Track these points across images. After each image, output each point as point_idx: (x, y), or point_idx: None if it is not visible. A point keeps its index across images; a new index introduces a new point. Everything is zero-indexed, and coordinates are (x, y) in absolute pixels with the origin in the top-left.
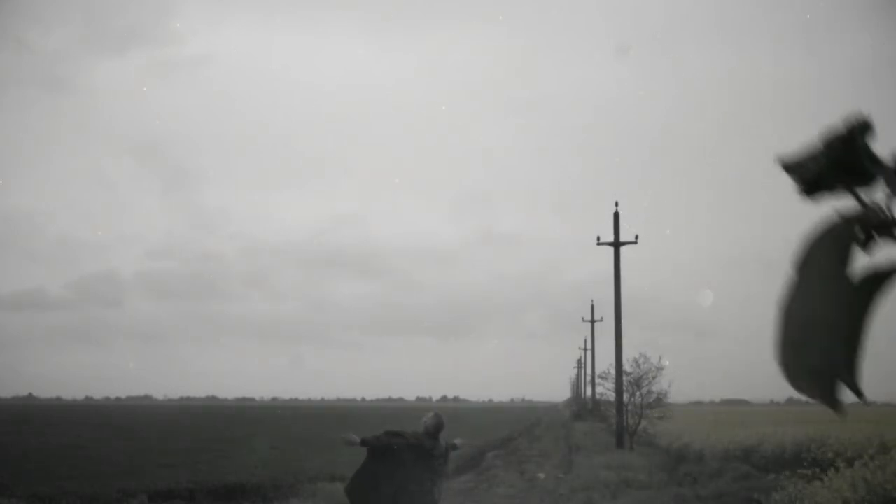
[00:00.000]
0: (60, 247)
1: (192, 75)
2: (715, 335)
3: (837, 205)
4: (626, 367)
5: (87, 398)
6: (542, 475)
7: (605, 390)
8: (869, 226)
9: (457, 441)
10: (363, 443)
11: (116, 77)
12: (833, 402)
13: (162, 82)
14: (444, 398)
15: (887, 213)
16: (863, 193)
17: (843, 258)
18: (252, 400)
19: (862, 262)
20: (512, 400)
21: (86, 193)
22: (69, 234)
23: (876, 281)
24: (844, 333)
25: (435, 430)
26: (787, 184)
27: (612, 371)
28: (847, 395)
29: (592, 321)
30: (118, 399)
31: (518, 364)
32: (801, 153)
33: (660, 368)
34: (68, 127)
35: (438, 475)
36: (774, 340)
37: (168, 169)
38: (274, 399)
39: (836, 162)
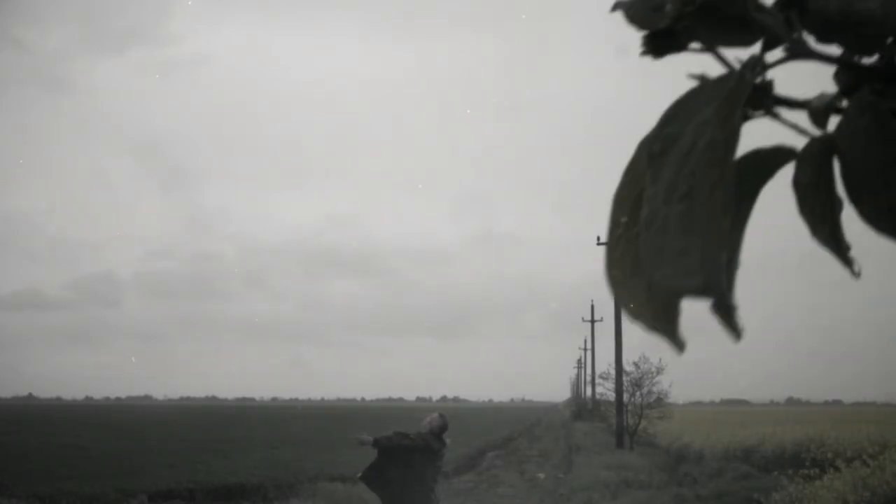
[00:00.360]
0: (60, 247)
1: (190, 75)
2: (715, 335)
3: (694, 70)
4: (627, 367)
5: (87, 398)
6: (542, 475)
7: (605, 390)
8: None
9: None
10: (375, 443)
11: (115, 77)
12: (673, 331)
13: (160, 82)
14: (444, 398)
15: (765, 80)
16: (730, 54)
17: (728, 135)
18: (252, 400)
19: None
20: (512, 400)
21: (84, 193)
22: (69, 234)
23: (757, 168)
24: (727, 238)
25: (441, 430)
26: (787, 185)
27: (612, 371)
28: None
29: (592, 321)
30: (118, 399)
31: (518, 364)
32: None
33: (660, 369)
34: (67, 127)
35: (440, 475)
36: (607, 243)
37: (167, 169)
38: (274, 399)
39: (706, 4)
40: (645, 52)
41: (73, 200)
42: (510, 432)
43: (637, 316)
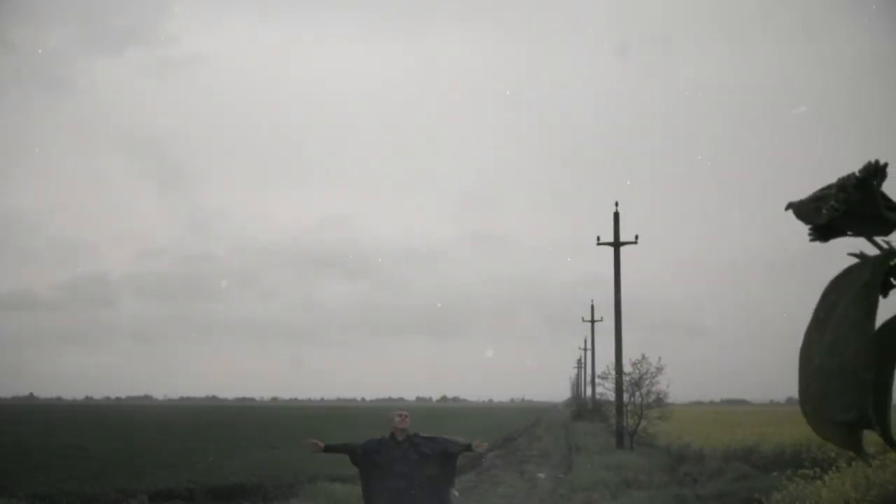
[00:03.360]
0: (59, 247)
1: (187, 75)
2: (715, 335)
3: (852, 248)
4: (626, 367)
5: (87, 398)
6: (542, 475)
7: (605, 390)
8: (888, 271)
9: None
10: (327, 448)
11: (111, 76)
12: (858, 450)
13: (157, 82)
14: (443, 398)
15: None
16: (878, 239)
17: (867, 311)
18: (252, 400)
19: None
20: (512, 400)
21: (81, 193)
22: (66, 234)
23: None
24: (871, 383)
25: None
26: (787, 183)
27: (612, 371)
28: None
29: (592, 321)
30: (118, 399)
31: (518, 364)
32: (813, 197)
33: (660, 369)
34: (64, 126)
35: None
36: (798, 387)
37: (165, 169)
38: (274, 399)
39: (850, 208)
40: (813, 239)
41: (71, 200)
42: (510, 432)
43: (829, 439)
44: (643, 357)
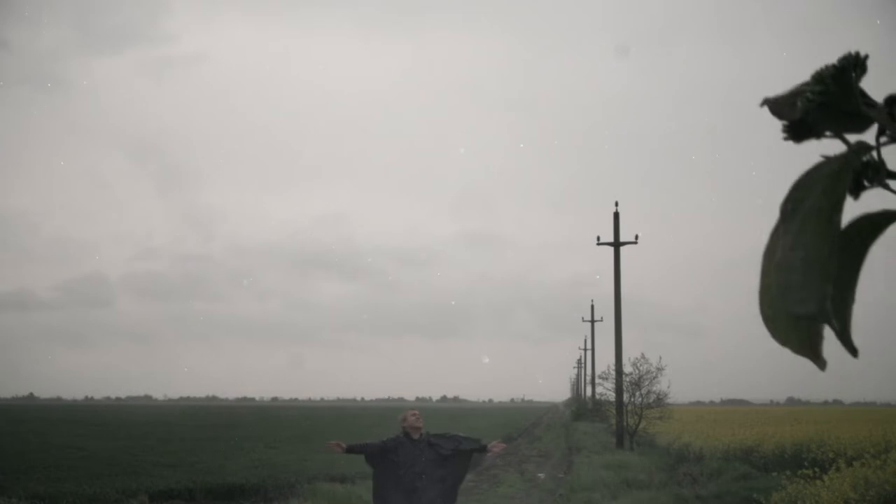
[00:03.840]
0: (57, 247)
1: (185, 74)
2: (715, 335)
3: (824, 149)
4: (626, 367)
5: (87, 398)
6: (542, 475)
7: (605, 390)
8: (858, 170)
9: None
10: (349, 449)
11: (109, 76)
12: (815, 354)
13: (154, 81)
14: (444, 398)
15: (878, 157)
16: (852, 137)
17: (835, 203)
18: (252, 400)
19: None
20: (512, 400)
21: (79, 193)
22: (65, 234)
23: (867, 228)
24: (835, 279)
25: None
26: (786, 184)
27: (612, 371)
28: (831, 352)
29: (592, 321)
30: (118, 399)
31: (518, 364)
32: (790, 93)
33: (660, 369)
34: (61, 126)
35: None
36: (759, 288)
37: (163, 168)
38: (274, 399)
39: (827, 101)
40: (787, 138)
41: (68, 200)
42: (510, 432)
43: (786, 343)
44: (643, 357)
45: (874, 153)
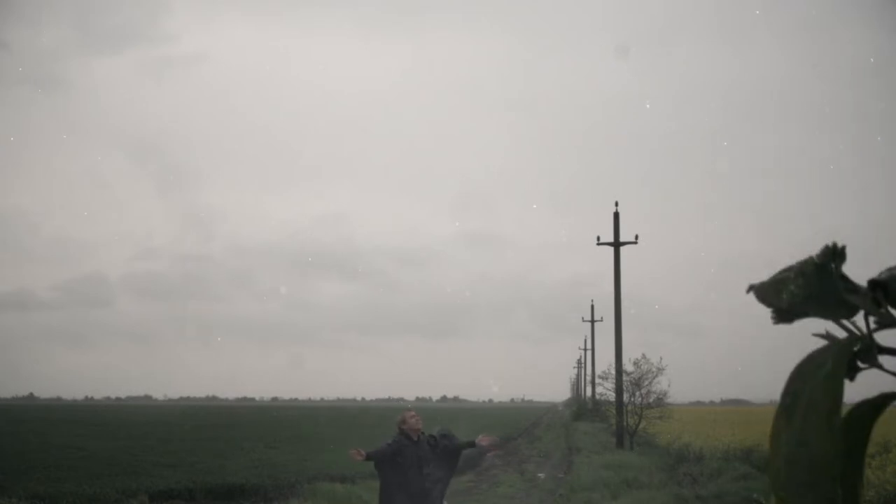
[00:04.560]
0: (57, 246)
1: (185, 74)
2: (715, 335)
3: (817, 326)
4: (627, 367)
5: (87, 398)
6: (542, 475)
7: (605, 390)
8: (853, 354)
9: None
10: (368, 457)
11: (109, 76)
12: None
13: (154, 81)
14: (443, 398)
15: (870, 339)
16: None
17: (833, 401)
18: (252, 400)
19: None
20: (512, 400)
21: (78, 193)
22: (65, 234)
23: (868, 412)
24: (839, 478)
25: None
26: (787, 184)
27: (612, 371)
28: None
29: (592, 321)
30: (118, 399)
31: (518, 364)
32: (774, 281)
33: (660, 369)
34: (61, 126)
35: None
36: (768, 469)
37: (162, 168)
38: (274, 399)
39: (810, 291)
40: (777, 322)
41: (68, 200)
42: (510, 432)
43: None
44: (643, 357)
45: (866, 332)
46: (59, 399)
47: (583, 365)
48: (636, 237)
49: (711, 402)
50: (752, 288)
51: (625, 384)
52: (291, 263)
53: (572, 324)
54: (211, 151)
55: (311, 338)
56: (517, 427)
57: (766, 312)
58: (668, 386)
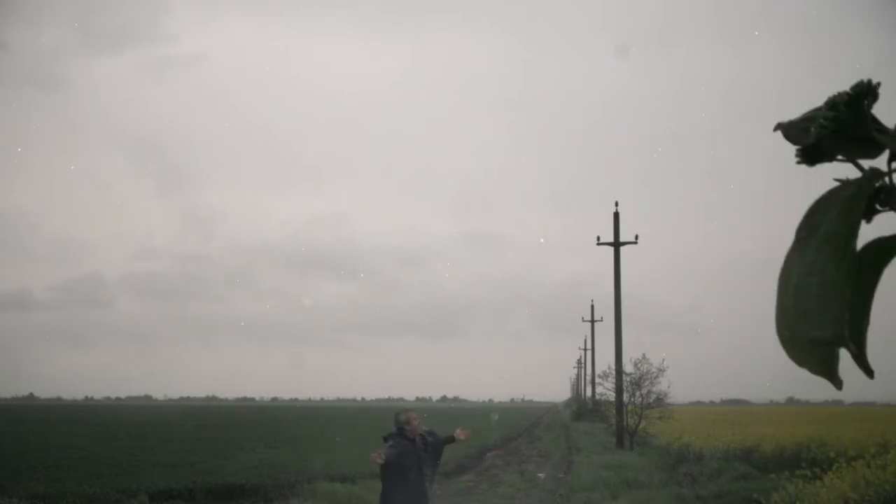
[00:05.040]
0: (57, 247)
1: (185, 74)
2: (715, 335)
3: (837, 173)
4: (627, 367)
5: (87, 398)
6: (542, 475)
7: (605, 390)
8: (871, 195)
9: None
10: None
11: (109, 76)
12: (832, 375)
13: (154, 81)
14: (443, 398)
15: (890, 182)
16: (864, 162)
17: (850, 229)
18: (252, 400)
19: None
20: (512, 400)
21: (78, 193)
22: (64, 234)
23: (881, 252)
24: (850, 302)
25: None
26: (787, 184)
27: (613, 371)
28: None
29: (592, 321)
30: (118, 399)
31: (518, 364)
32: (803, 118)
33: (661, 370)
34: (60, 126)
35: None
36: (775, 310)
37: (162, 168)
38: (274, 399)
39: (839, 127)
40: (800, 162)
41: (68, 200)
42: (510, 432)
43: (803, 363)
44: (644, 357)
45: (886, 178)
46: (59, 399)
47: (583, 365)
48: (636, 237)
49: (711, 402)
50: (779, 126)
51: (625, 384)
52: (291, 263)
53: (572, 324)
54: (211, 151)
55: (310, 338)
56: (517, 427)
57: (765, 313)
58: (668, 386)
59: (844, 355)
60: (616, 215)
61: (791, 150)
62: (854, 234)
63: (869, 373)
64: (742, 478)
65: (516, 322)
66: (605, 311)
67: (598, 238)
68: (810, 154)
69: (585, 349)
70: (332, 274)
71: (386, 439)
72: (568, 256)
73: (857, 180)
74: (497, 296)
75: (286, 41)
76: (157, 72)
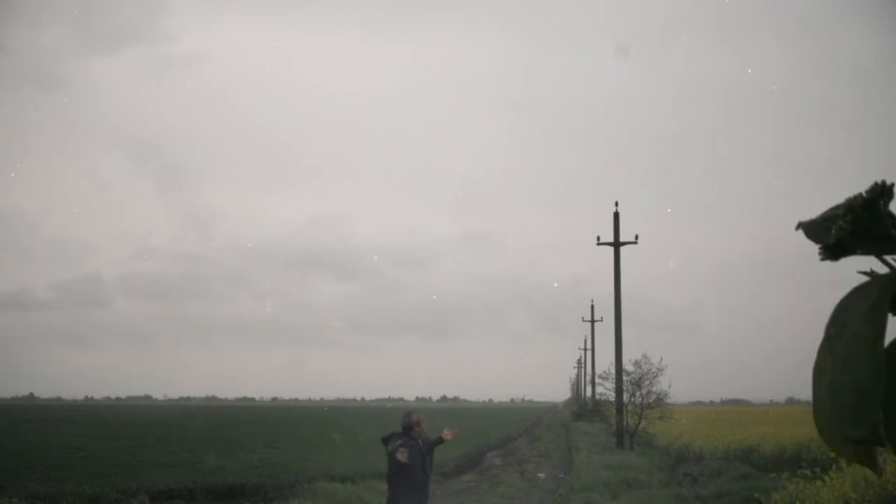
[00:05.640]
0: (57, 247)
1: (185, 74)
2: (715, 336)
3: (861, 266)
4: (627, 367)
5: (87, 398)
6: (542, 475)
7: (606, 390)
8: None
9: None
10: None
11: (109, 76)
12: (873, 465)
13: (154, 81)
14: (443, 398)
15: None
16: (888, 258)
17: (877, 330)
18: (252, 400)
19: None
20: (512, 400)
21: (78, 193)
22: (64, 234)
23: None
24: (881, 401)
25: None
26: (787, 184)
27: (613, 371)
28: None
29: (592, 321)
30: (118, 399)
31: (518, 364)
32: (823, 218)
33: (660, 370)
34: (60, 127)
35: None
36: (812, 404)
37: (162, 168)
38: (274, 399)
39: (857, 229)
40: (823, 258)
41: (68, 200)
42: (510, 432)
43: (843, 455)
44: (644, 357)
45: None
46: (59, 399)
47: (583, 365)
48: (636, 237)
49: (711, 402)
50: (801, 225)
51: (625, 384)
52: (291, 263)
53: (572, 324)
54: (211, 151)
55: (310, 338)
56: (517, 427)
57: (765, 313)
58: (669, 386)
59: None
60: (616, 215)
61: (792, 149)
62: (881, 336)
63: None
64: (742, 478)
65: (516, 322)
66: (605, 311)
67: (598, 238)
68: (833, 251)
69: (585, 349)
70: (332, 274)
71: (385, 440)
72: (568, 256)
73: (880, 279)
74: (497, 296)
75: (286, 41)
76: (157, 72)
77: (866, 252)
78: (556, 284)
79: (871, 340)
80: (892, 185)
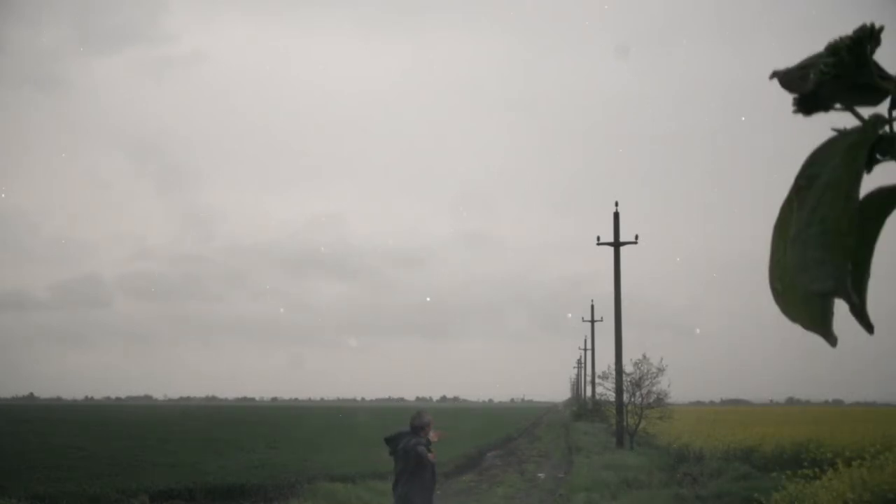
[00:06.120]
0: (57, 247)
1: (185, 74)
2: (715, 335)
3: (833, 123)
4: (627, 367)
5: (87, 398)
6: (542, 475)
7: (606, 390)
8: (872, 144)
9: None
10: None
11: (109, 76)
12: (826, 329)
13: (154, 81)
14: (443, 398)
15: (892, 130)
16: (864, 111)
17: (853, 176)
18: (252, 400)
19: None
20: (512, 400)
21: (78, 193)
22: (64, 234)
23: (882, 201)
24: (852, 253)
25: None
26: (787, 184)
27: (613, 371)
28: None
29: (592, 321)
30: (118, 399)
31: (518, 364)
32: (800, 65)
33: (660, 370)
34: (59, 126)
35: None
36: (769, 264)
37: (162, 168)
38: (274, 399)
39: (840, 73)
40: (796, 111)
41: (68, 200)
42: (510, 432)
43: (796, 319)
44: (644, 357)
45: (887, 126)
46: (59, 399)
47: (583, 365)
48: (636, 237)
49: (711, 402)
50: (775, 74)
51: (625, 384)
52: (291, 263)
53: (572, 324)
54: (211, 151)
55: (310, 338)
56: (517, 427)
57: (765, 313)
58: (669, 386)
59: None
60: (616, 215)
61: (791, 151)
62: (857, 182)
63: (869, 327)
64: (742, 478)
65: (516, 322)
66: (605, 311)
67: (598, 238)
68: (807, 103)
69: (585, 349)
70: (332, 274)
71: (389, 440)
72: (568, 256)
73: (859, 128)
74: (497, 296)
75: (286, 41)
76: (157, 72)
77: (844, 102)
78: (556, 285)
79: (847, 187)
80: (881, 28)
